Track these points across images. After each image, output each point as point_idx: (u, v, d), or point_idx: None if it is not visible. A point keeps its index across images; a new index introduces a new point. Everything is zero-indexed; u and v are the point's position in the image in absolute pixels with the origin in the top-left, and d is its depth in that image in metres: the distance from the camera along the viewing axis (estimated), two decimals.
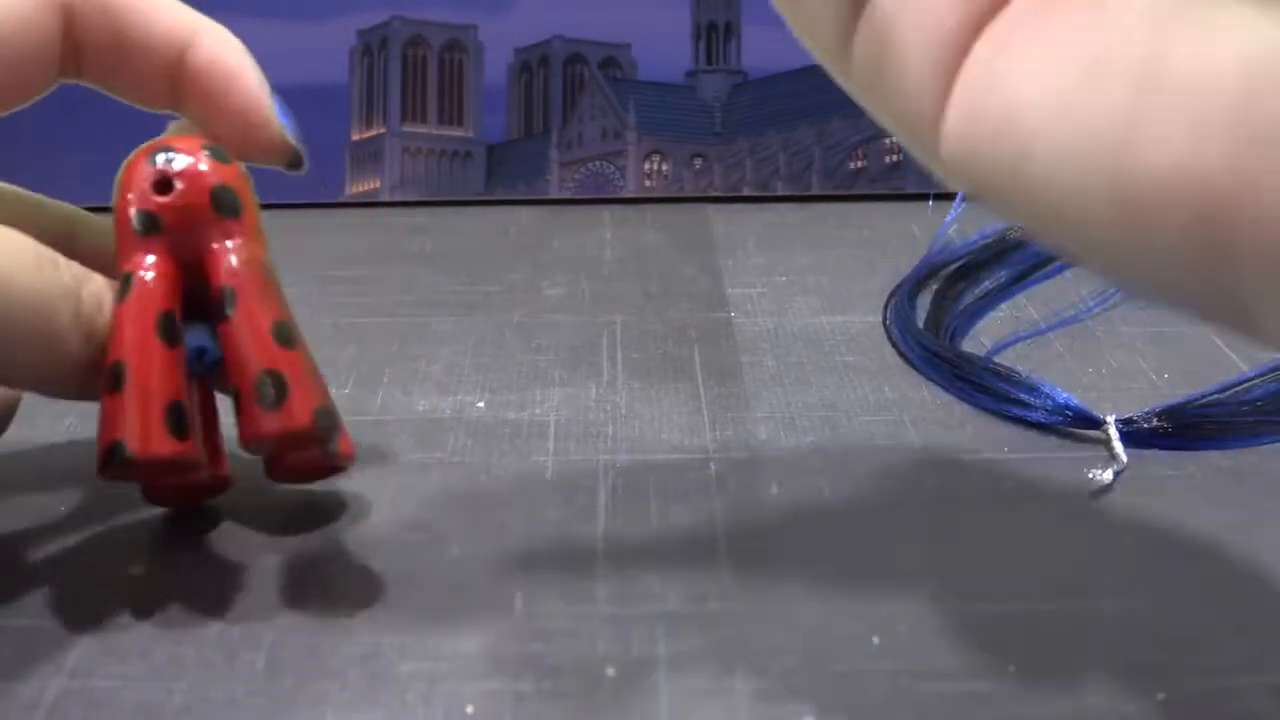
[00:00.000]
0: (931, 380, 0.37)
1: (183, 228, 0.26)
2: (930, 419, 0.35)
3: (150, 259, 0.26)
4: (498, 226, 0.50)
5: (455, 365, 0.38)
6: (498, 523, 0.30)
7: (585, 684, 0.25)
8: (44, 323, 0.24)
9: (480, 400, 0.36)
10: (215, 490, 0.30)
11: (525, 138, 0.55)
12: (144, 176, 0.26)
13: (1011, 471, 0.32)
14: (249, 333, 0.26)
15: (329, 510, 0.30)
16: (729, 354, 0.39)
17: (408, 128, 0.55)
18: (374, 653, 0.26)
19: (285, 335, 0.26)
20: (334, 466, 0.30)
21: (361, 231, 0.50)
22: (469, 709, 0.24)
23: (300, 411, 0.26)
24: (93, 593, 0.28)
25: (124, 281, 0.26)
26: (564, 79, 0.54)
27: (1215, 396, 0.34)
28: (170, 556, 0.29)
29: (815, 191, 0.54)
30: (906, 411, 0.35)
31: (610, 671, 0.25)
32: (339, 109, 0.54)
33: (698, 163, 0.54)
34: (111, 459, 0.26)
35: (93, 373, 0.26)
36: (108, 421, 0.26)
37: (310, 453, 0.28)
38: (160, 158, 0.27)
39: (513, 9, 0.54)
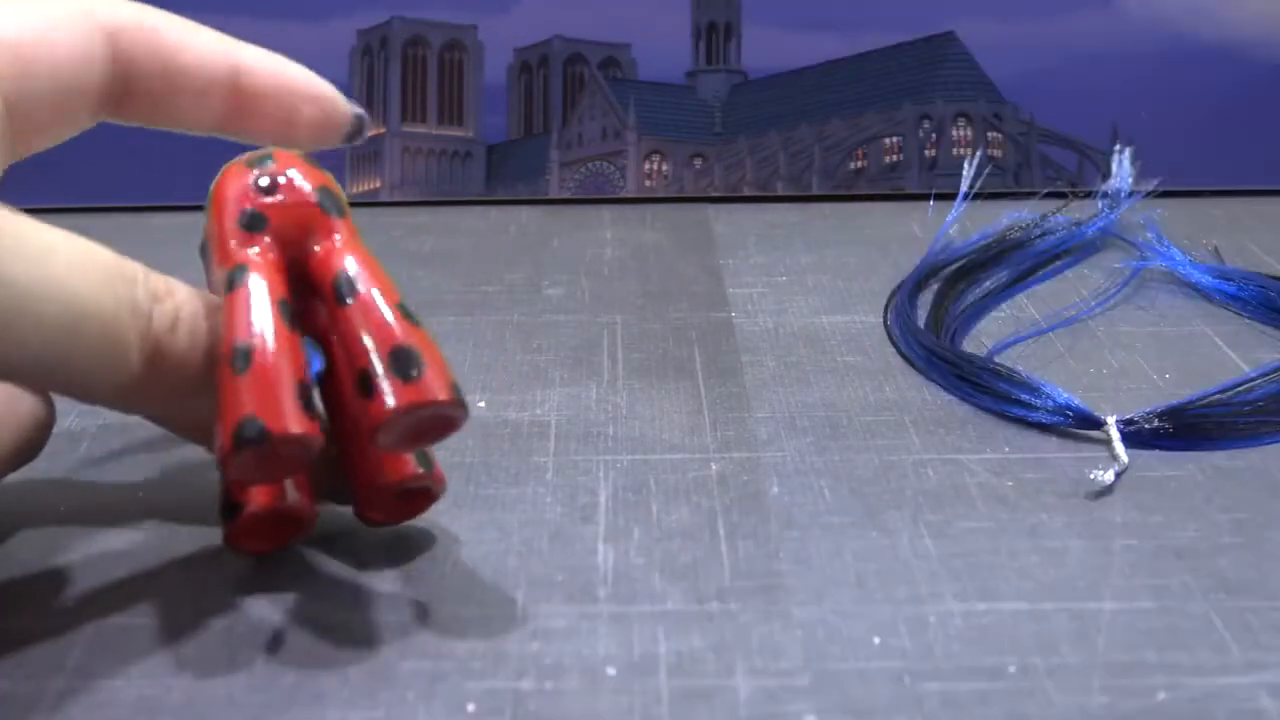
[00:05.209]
0: (932, 380, 0.37)
1: (289, 227, 0.26)
2: (930, 419, 0.35)
3: (259, 251, 0.26)
4: (498, 226, 0.50)
5: (455, 365, 0.38)
6: (498, 523, 0.30)
7: (585, 684, 0.25)
8: (107, 340, 0.24)
9: (480, 400, 0.36)
10: (302, 527, 0.29)
11: (525, 138, 0.55)
12: (247, 180, 0.27)
13: (1011, 471, 0.32)
14: (376, 312, 0.26)
15: (329, 510, 0.30)
16: (729, 354, 0.39)
17: (408, 128, 0.55)
18: (374, 651, 0.26)
19: (411, 314, 0.26)
20: (428, 490, 0.29)
21: (361, 231, 0.49)
22: (469, 707, 0.24)
23: (438, 384, 0.25)
24: (93, 592, 0.28)
25: (235, 271, 0.26)
26: (564, 79, 0.54)
27: (1216, 397, 0.34)
28: (170, 555, 0.29)
29: (815, 191, 0.54)
30: (906, 411, 0.35)
31: (610, 671, 0.25)
32: None
33: (698, 163, 0.54)
34: (243, 438, 0.24)
35: (149, 392, 0.25)
36: (231, 403, 0.24)
37: (435, 432, 0.26)
38: (259, 163, 0.27)
39: (513, 9, 0.54)
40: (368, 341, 0.25)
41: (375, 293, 0.26)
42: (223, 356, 0.25)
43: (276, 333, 0.25)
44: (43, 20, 0.27)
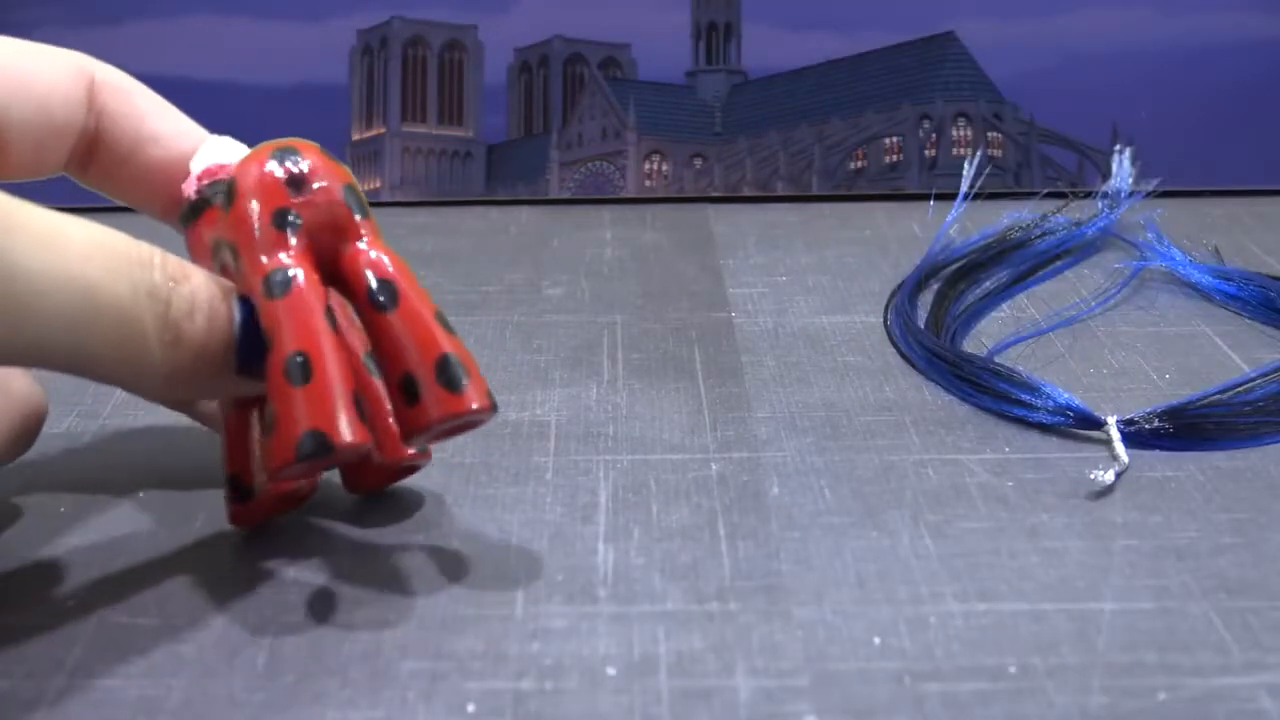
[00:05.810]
0: (932, 380, 0.37)
1: (321, 226, 0.26)
2: (930, 419, 0.35)
3: (294, 253, 0.26)
4: (498, 226, 0.50)
5: None
6: (498, 523, 0.30)
7: (585, 684, 0.25)
8: (124, 326, 0.24)
9: None
10: (302, 500, 0.30)
11: (525, 138, 0.55)
12: (273, 175, 0.26)
13: (1012, 471, 0.32)
14: (418, 322, 0.26)
15: (329, 509, 0.30)
16: (729, 354, 0.39)
17: (408, 128, 0.55)
18: (374, 651, 0.26)
19: (447, 323, 0.27)
20: (413, 467, 0.30)
21: None
22: (469, 708, 0.24)
23: (478, 393, 0.26)
24: (93, 592, 0.28)
25: (278, 274, 0.26)
26: (564, 79, 0.54)
27: (1216, 397, 0.34)
28: (170, 554, 0.29)
29: (815, 191, 0.54)
30: (906, 412, 0.35)
31: (610, 671, 0.25)
32: (339, 109, 0.54)
33: (698, 163, 0.54)
34: (306, 453, 0.25)
35: (171, 376, 0.25)
36: (290, 415, 0.25)
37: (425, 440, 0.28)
38: (286, 158, 0.27)
39: (513, 9, 0.54)
40: (412, 350, 0.26)
41: (416, 302, 0.27)
42: (275, 364, 0.25)
43: (330, 342, 0.25)
44: (38, 56, 0.28)
